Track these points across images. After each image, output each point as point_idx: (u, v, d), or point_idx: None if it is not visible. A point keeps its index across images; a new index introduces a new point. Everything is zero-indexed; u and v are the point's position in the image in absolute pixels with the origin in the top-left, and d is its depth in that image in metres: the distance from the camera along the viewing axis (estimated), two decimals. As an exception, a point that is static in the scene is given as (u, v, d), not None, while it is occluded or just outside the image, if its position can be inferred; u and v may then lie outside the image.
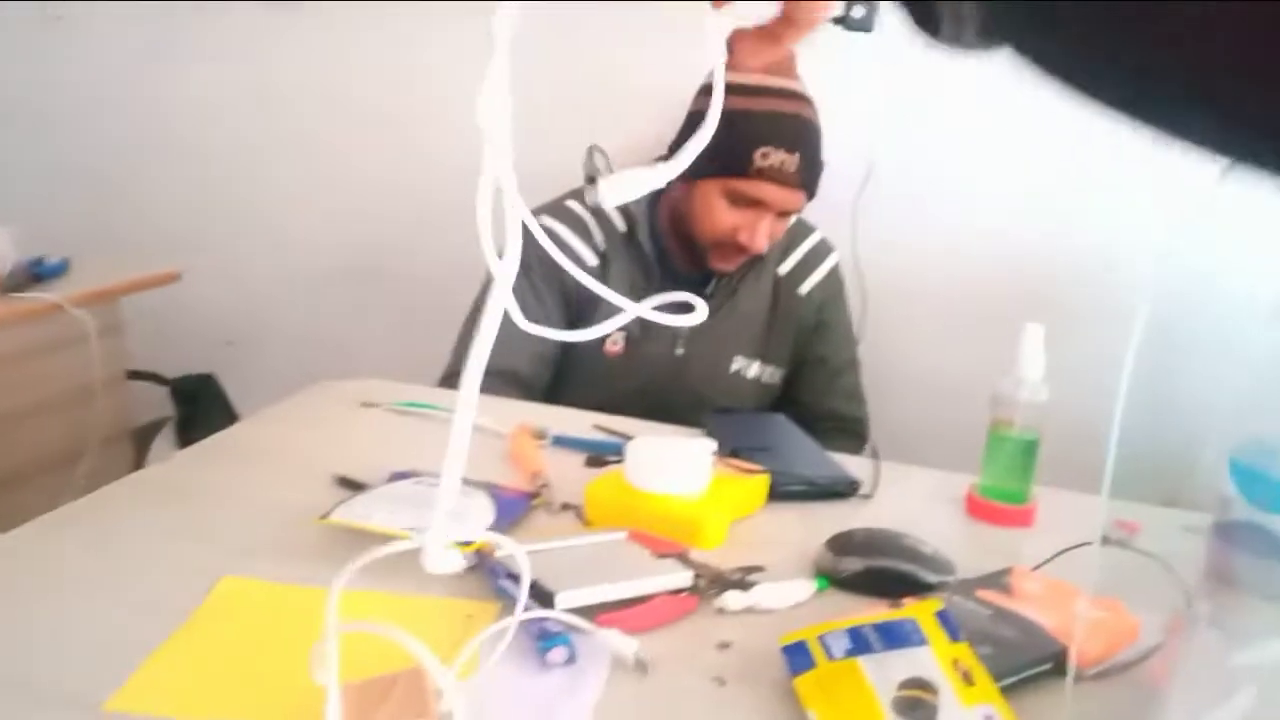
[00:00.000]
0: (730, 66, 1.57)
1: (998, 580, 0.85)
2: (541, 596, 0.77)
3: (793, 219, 1.52)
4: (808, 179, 1.42)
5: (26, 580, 0.81)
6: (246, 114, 2.45)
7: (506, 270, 0.49)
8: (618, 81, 2.17)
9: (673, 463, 0.94)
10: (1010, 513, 1.03)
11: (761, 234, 1.43)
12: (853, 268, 1.95)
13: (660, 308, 1.54)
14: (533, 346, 1.48)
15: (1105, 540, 1.01)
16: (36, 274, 1.72)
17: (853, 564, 0.86)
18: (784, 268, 1.58)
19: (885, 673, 0.69)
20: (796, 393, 1.60)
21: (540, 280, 1.49)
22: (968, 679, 0.68)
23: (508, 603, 0.79)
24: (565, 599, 0.76)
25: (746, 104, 1.41)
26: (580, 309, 1.51)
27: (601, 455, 1.08)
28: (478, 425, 1.17)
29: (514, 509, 0.95)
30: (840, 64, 1.98)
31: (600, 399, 1.52)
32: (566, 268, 0.55)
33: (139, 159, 2.54)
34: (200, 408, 2.41)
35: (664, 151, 1.54)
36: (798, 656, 0.73)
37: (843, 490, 1.05)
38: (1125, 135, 0.32)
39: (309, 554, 0.86)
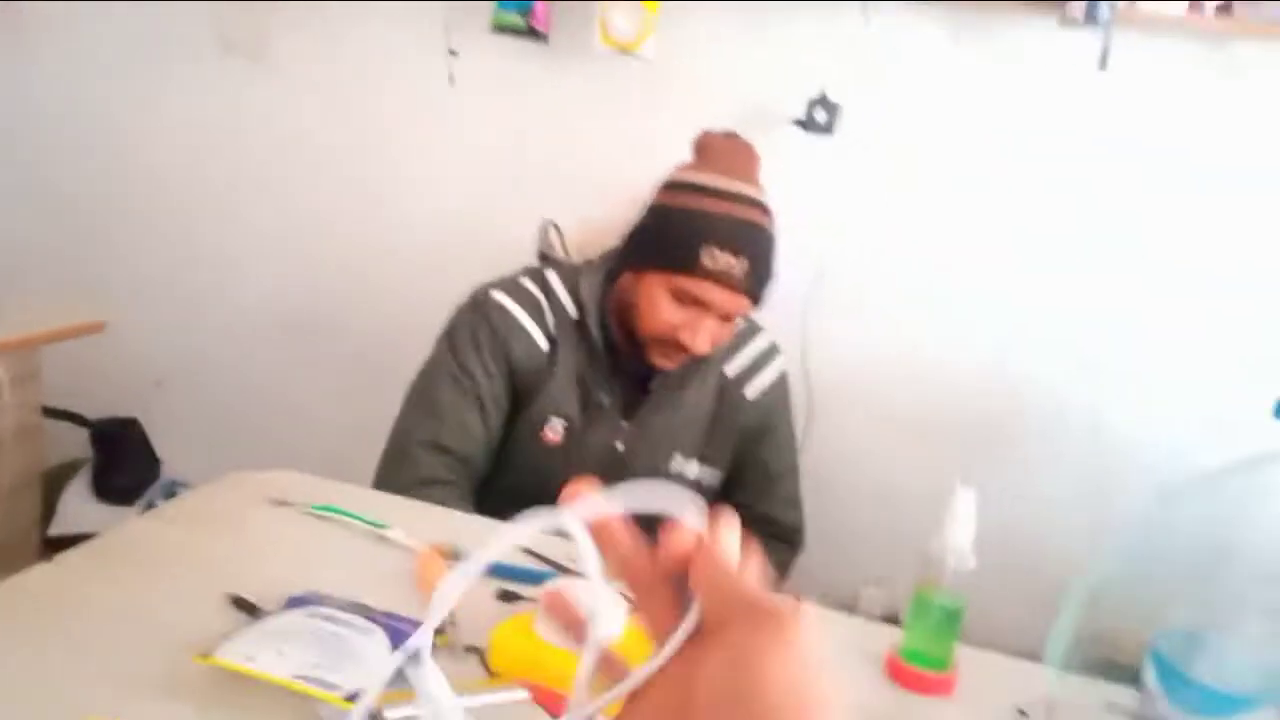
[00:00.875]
0: (694, 166, 1.51)
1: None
2: (423, 776, 0.72)
3: (738, 323, 1.50)
4: (754, 285, 1.40)
5: None
6: (197, 159, 2.40)
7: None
8: (576, 159, 2.16)
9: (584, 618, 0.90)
10: (931, 680, 1.00)
11: (703, 335, 1.40)
12: (800, 369, 1.95)
13: (612, 395, 1.51)
14: (479, 426, 1.45)
15: (1021, 713, 0.99)
16: (-52, 316, 1.65)
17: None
18: (731, 368, 1.55)
19: None
20: (734, 495, 1.57)
21: (489, 353, 1.46)
22: None
23: (390, 777, 0.74)
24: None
25: (701, 203, 1.39)
26: (525, 386, 1.47)
27: (515, 589, 1.03)
28: (388, 538, 1.13)
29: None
30: (799, 167, 1.98)
31: (536, 490, 1.47)
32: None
33: (83, 193, 2.47)
34: (119, 452, 2.33)
35: (617, 237, 1.51)
36: None
37: (761, 643, 1.01)
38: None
39: (187, 694, 0.81)
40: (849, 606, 1.97)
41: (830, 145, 1.98)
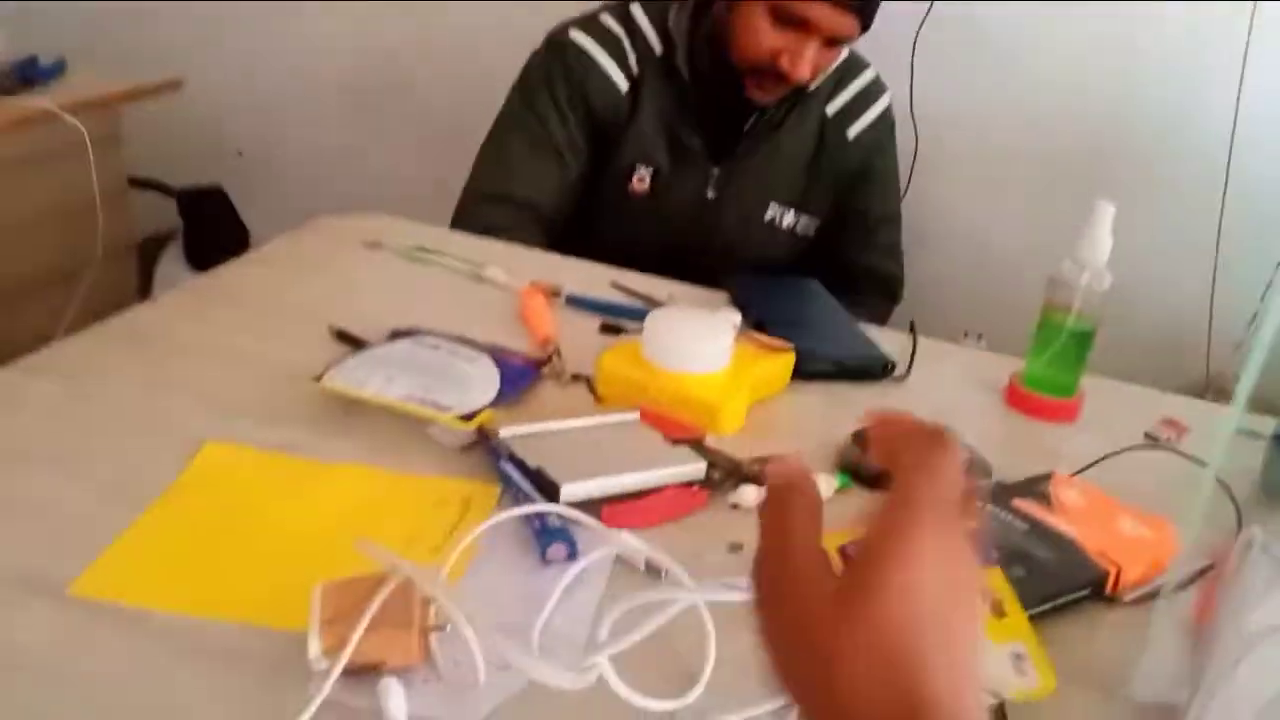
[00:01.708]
0: None
1: (1036, 488, 0.79)
2: (545, 487, 0.72)
3: (843, 52, 1.38)
4: (863, 4, 1.27)
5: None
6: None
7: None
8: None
9: (692, 341, 0.86)
10: (1054, 406, 0.96)
11: (805, 60, 1.29)
12: (905, 111, 1.82)
13: (702, 138, 1.43)
14: (553, 175, 1.39)
15: (1150, 437, 0.94)
16: (28, 76, 1.61)
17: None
18: (832, 106, 1.45)
19: (909, 596, 0.64)
20: (831, 245, 1.51)
21: (564, 98, 1.38)
22: (997, 610, 0.63)
23: (508, 486, 0.74)
24: (570, 492, 0.71)
25: None
26: (607, 133, 1.40)
27: (618, 322, 1.00)
28: (487, 278, 1.10)
29: (521, 379, 0.88)
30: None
31: (622, 244, 1.43)
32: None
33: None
34: (208, 221, 2.34)
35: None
36: (815, 570, 0.67)
37: (874, 372, 0.98)
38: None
39: (299, 417, 0.81)
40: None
41: None
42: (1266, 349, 0.50)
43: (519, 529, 0.70)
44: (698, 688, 0.58)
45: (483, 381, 0.85)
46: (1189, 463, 0.89)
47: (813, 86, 1.38)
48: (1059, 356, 0.95)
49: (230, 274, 1.06)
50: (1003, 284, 1.87)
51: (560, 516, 0.69)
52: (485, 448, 0.77)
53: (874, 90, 1.47)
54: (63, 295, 1.57)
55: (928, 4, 1.82)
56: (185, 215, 2.35)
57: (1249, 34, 1.66)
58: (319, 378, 0.81)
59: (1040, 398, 0.96)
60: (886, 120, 1.49)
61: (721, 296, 1.12)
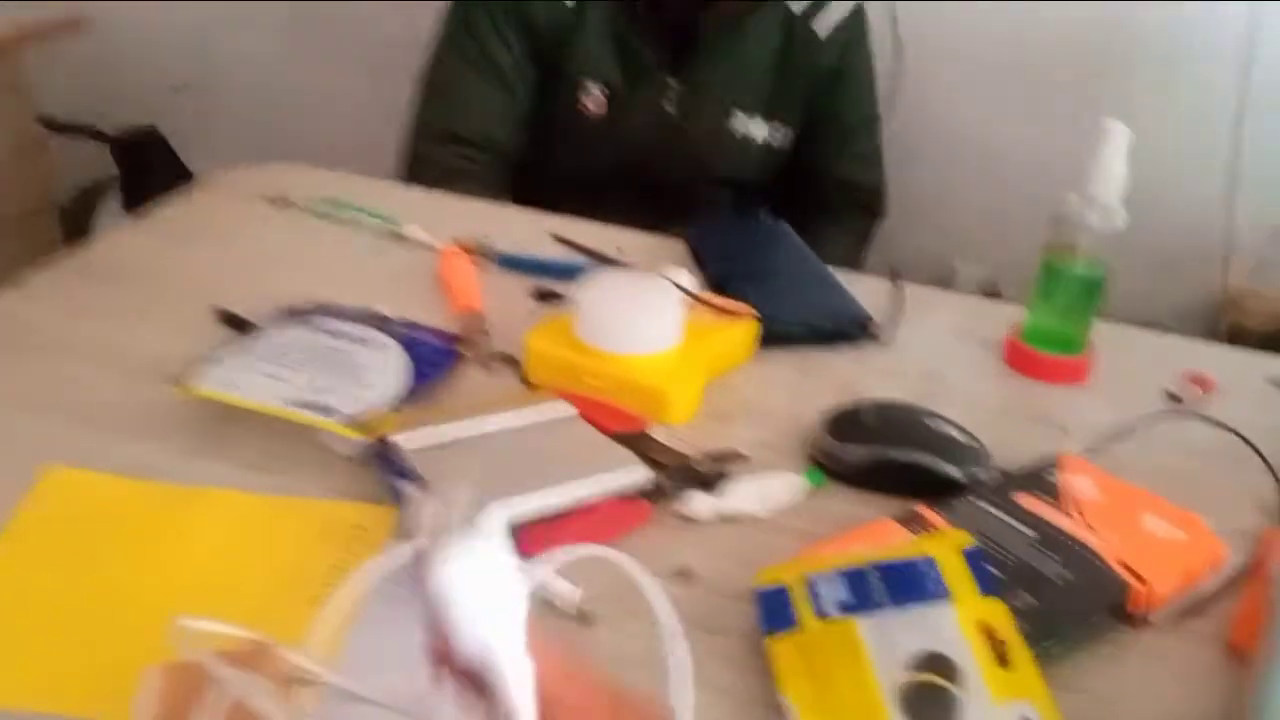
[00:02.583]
0: None
1: (1042, 479, 0.66)
2: (446, 514, 0.59)
3: None
4: None
5: None
6: None
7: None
8: None
9: (632, 317, 0.73)
10: (1060, 365, 0.83)
11: None
12: (885, 10, 1.64)
13: (656, 48, 1.26)
14: (504, 105, 1.25)
15: (1172, 397, 0.82)
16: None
17: (856, 453, 0.68)
18: (799, 3, 1.29)
19: (891, 643, 0.51)
20: (805, 155, 1.37)
21: (501, 17, 1.23)
22: (1001, 658, 0.51)
23: (406, 510, 0.61)
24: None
25: None
26: (551, 52, 1.25)
27: (554, 288, 0.86)
28: (408, 236, 0.96)
29: (436, 365, 0.75)
30: None
31: (580, 172, 1.29)
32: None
33: None
34: (146, 166, 2.17)
35: None
36: (775, 608, 0.55)
37: (852, 333, 0.84)
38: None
39: (164, 428, 0.68)
40: (943, 283, 1.79)
41: None
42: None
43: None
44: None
45: (387, 373, 0.72)
46: (1220, 429, 0.76)
47: None
48: (1065, 307, 0.82)
49: (105, 247, 0.92)
50: (1004, 200, 1.73)
51: (464, 553, 0.56)
52: (379, 459, 0.65)
53: None
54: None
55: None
56: (120, 161, 2.18)
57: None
58: (181, 383, 0.68)
59: (1043, 355, 0.83)
60: (859, 15, 1.34)
61: (678, 246, 0.98)
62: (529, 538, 0.59)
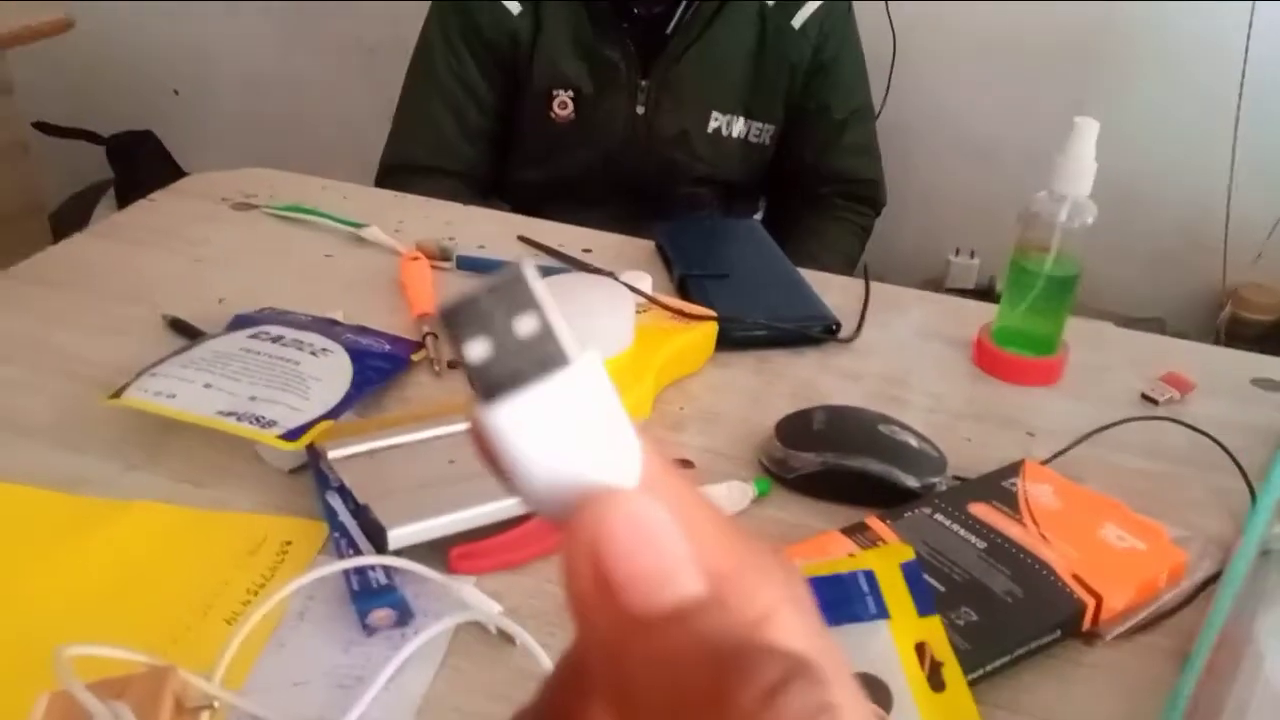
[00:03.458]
0: None
1: (1000, 487, 0.64)
2: (371, 531, 0.57)
3: None
4: None
5: None
6: None
7: None
8: None
9: (578, 320, 0.71)
10: (1030, 366, 0.80)
11: None
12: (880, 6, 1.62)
13: (623, 49, 1.26)
14: (452, 130, 1.24)
15: (1147, 399, 0.79)
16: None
17: (807, 461, 0.65)
18: None
19: (822, 663, 0.49)
20: (794, 152, 1.34)
21: (458, 37, 1.22)
22: (934, 679, 0.49)
23: (334, 525, 0.59)
24: (400, 537, 0.56)
25: None
26: (513, 63, 1.24)
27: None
28: (370, 240, 0.95)
29: (382, 372, 0.73)
30: None
31: (557, 176, 1.28)
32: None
33: None
34: (142, 168, 2.17)
35: None
36: (708, 626, 0.53)
37: (814, 334, 0.82)
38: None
39: (101, 438, 0.67)
40: (936, 281, 1.76)
41: None
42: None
43: (340, 585, 0.56)
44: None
45: (330, 381, 0.70)
46: (1194, 432, 0.74)
47: None
48: (1035, 307, 0.79)
49: (60, 251, 0.91)
50: (998, 192, 1.70)
51: (387, 570, 0.55)
52: (313, 469, 0.63)
53: None
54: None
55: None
56: (115, 164, 2.19)
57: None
58: (117, 394, 0.66)
59: (1013, 357, 0.80)
60: (839, 3, 1.31)
61: (647, 247, 0.96)
62: (461, 554, 0.58)
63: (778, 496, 0.65)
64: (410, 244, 0.92)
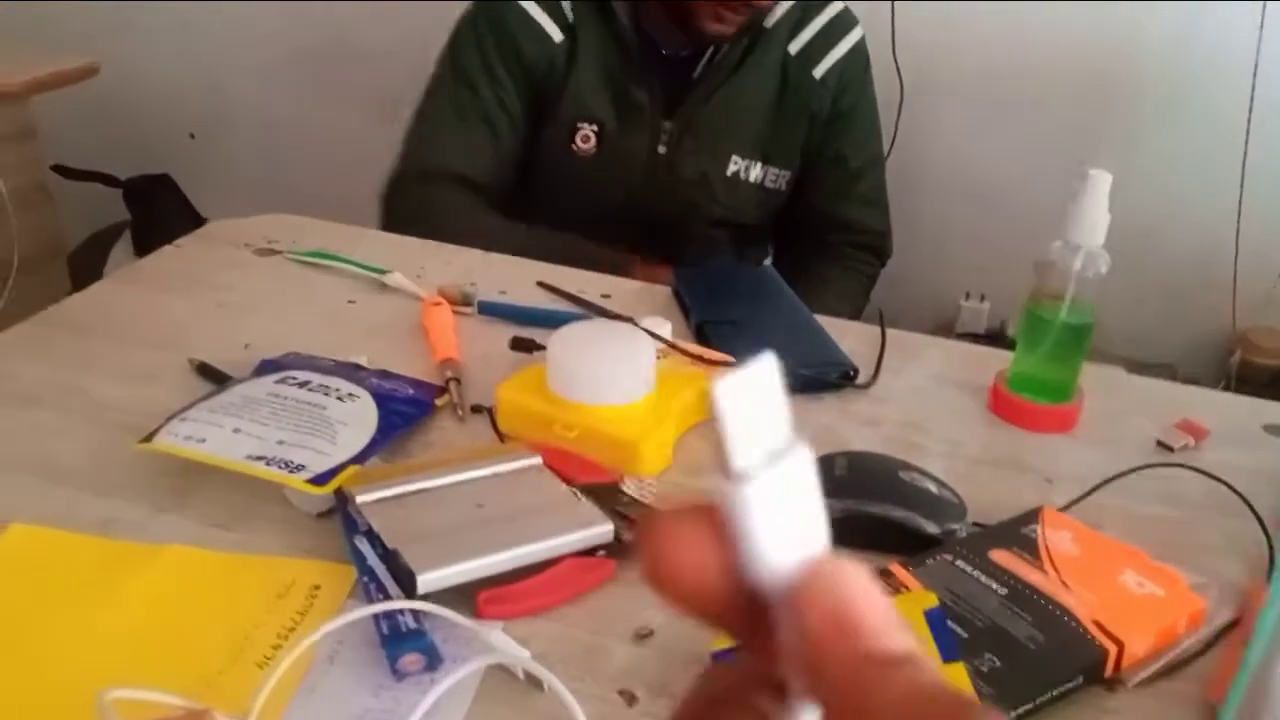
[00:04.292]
0: None
1: (1019, 534, 0.65)
2: (400, 576, 0.58)
3: None
4: None
5: None
6: None
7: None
8: None
9: (602, 367, 0.72)
10: (1046, 414, 0.81)
11: None
12: (884, 45, 1.64)
13: (649, 89, 1.27)
14: (485, 146, 1.25)
15: (1163, 446, 0.80)
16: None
17: (828, 507, 0.66)
18: (795, 44, 1.29)
19: (849, 709, 0.50)
20: (807, 197, 1.36)
21: (494, 57, 1.24)
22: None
23: (363, 569, 0.60)
24: (429, 582, 0.57)
25: None
26: (545, 91, 1.26)
27: (531, 337, 0.86)
28: (392, 285, 0.96)
29: (407, 417, 0.74)
30: None
31: (572, 211, 1.29)
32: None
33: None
34: (158, 211, 2.20)
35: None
36: (734, 672, 0.54)
37: (833, 380, 0.83)
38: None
39: (131, 482, 0.68)
40: (947, 325, 1.77)
41: None
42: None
43: (369, 630, 0.57)
44: None
45: (356, 426, 0.72)
46: (1208, 478, 0.74)
47: (772, 21, 1.24)
48: (1050, 354, 0.80)
49: (85, 298, 0.92)
50: (1007, 236, 1.71)
51: (416, 614, 0.56)
52: (340, 514, 0.64)
53: (842, 23, 1.31)
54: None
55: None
56: (132, 206, 2.21)
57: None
58: (147, 438, 0.67)
59: (1029, 404, 0.81)
60: (859, 55, 1.33)
61: (665, 293, 0.98)
62: (489, 599, 0.58)
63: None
64: (432, 289, 0.93)
